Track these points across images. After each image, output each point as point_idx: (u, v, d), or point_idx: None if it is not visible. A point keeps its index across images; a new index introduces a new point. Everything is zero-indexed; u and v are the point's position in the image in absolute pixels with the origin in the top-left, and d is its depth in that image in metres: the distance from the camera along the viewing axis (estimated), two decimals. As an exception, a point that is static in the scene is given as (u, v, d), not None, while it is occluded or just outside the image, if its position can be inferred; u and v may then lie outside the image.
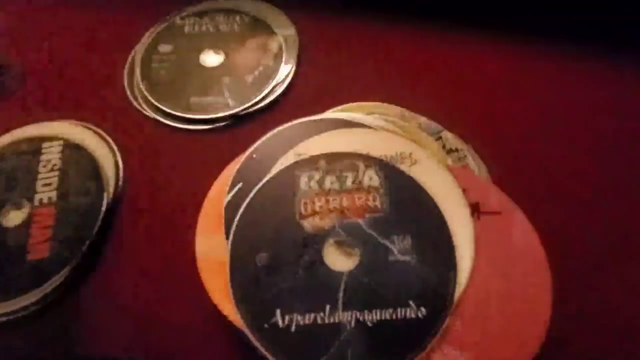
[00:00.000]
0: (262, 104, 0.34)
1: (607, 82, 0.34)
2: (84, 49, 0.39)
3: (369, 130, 0.30)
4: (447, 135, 0.31)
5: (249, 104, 0.34)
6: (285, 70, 0.35)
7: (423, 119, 0.32)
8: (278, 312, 0.24)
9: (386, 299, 0.24)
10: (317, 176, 0.27)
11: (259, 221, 0.26)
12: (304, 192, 0.27)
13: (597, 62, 0.34)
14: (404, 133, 0.30)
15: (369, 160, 0.28)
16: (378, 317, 0.24)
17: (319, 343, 0.23)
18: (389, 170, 0.27)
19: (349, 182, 0.27)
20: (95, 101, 0.36)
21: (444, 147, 0.31)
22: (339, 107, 0.33)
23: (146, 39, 0.38)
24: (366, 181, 0.27)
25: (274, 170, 0.28)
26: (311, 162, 0.28)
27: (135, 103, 0.35)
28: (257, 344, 0.23)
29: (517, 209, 0.26)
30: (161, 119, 0.34)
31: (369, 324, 0.23)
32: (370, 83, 0.35)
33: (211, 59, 0.36)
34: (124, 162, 0.32)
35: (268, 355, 0.23)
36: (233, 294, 0.25)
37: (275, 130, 0.30)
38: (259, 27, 0.38)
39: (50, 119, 0.34)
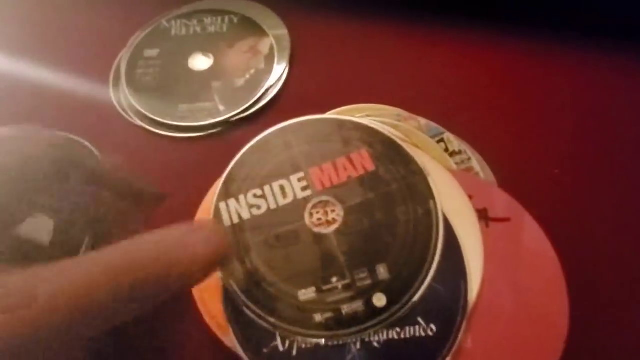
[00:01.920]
0: (254, 109, 0.33)
1: (614, 82, 0.32)
2: (67, 56, 0.37)
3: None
4: (450, 137, 0.30)
5: (241, 109, 0.32)
6: (278, 72, 0.34)
7: (423, 121, 0.31)
8: (278, 336, 0.23)
9: None
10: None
11: None
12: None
13: (604, 62, 0.33)
14: (404, 137, 0.28)
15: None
16: (385, 337, 0.22)
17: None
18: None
19: None
20: (80, 110, 0.34)
21: (446, 149, 0.29)
22: (335, 110, 0.31)
23: (132, 43, 0.36)
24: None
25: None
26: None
27: (122, 111, 0.33)
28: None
29: (525, 214, 0.25)
30: (149, 128, 0.32)
31: (375, 344, 0.22)
32: (366, 84, 0.34)
33: (200, 62, 0.35)
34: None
35: None
36: (228, 320, 0.23)
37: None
38: (249, 27, 0.36)
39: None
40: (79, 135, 0.32)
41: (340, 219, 0.25)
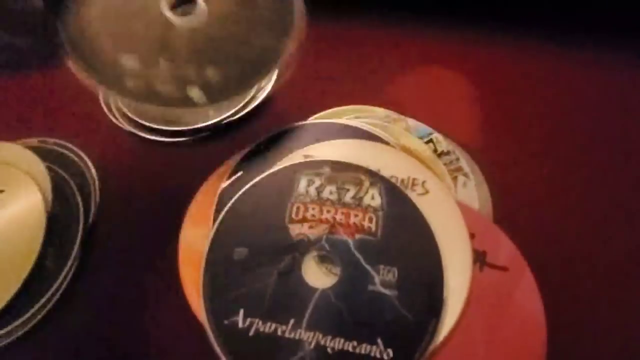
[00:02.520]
0: (243, 112, 0.32)
1: (604, 80, 0.32)
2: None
3: (387, 147, 0.28)
4: (439, 137, 0.30)
5: (230, 112, 0.32)
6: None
7: (412, 122, 0.30)
8: (241, 312, 0.23)
9: (353, 329, 0.22)
10: (317, 182, 0.26)
11: (248, 215, 0.25)
12: (300, 195, 0.26)
13: (595, 59, 0.33)
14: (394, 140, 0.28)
15: (376, 178, 0.26)
16: (340, 347, 0.22)
17: (273, 355, 0.22)
18: (395, 194, 0.25)
19: (348, 197, 0.26)
20: (67, 115, 0.34)
21: (435, 149, 0.29)
22: (324, 113, 0.31)
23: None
24: (367, 200, 0.25)
25: (277, 167, 0.27)
26: (315, 166, 0.26)
27: (110, 116, 0.33)
28: (212, 339, 0.22)
29: (526, 269, 0.24)
30: (138, 132, 0.32)
31: (329, 350, 0.22)
32: (355, 86, 0.33)
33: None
34: (100, 179, 0.31)
35: (219, 352, 0.22)
36: (202, 284, 0.24)
37: (287, 127, 0.29)
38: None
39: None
40: (67, 140, 0.32)
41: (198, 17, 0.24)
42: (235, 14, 0.25)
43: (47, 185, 0.29)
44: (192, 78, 0.23)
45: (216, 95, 0.24)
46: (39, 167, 0.29)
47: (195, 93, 0.23)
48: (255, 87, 0.30)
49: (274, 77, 0.34)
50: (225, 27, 0.25)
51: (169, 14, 0.23)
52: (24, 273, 0.26)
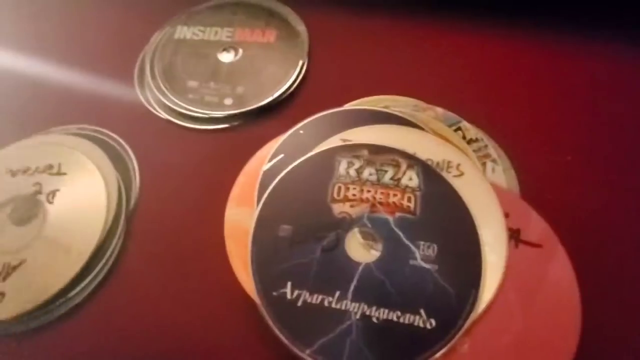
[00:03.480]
0: (276, 102, 0.34)
1: (630, 70, 0.33)
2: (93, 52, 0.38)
3: (422, 133, 0.29)
4: (467, 125, 0.31)
5: (264, 102, 0.33)
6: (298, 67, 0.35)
7: (440, 110, 0.32)
8: (289, 284, 0.24)
9: (397, 300, 0.23)
10: (357, 164, 0.27)
11: (291, 194, 0.26)
12: (341, 176, 0.27)
13: (619, 49, 0.34)
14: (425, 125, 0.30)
15: (413, 161, 0.27)
16: (385, 316, 0.23)
17: (321, 324, 0.23)
18: (432, 175, 0.27)
19: (387, 177, 0.27)
20: (107, 105, 0.35)
21: (464, 137, 0.30)
22: (355, 102, 0.33)
23: (154, 40, 0.38)
24: (405, 180, 0.27)
25: (317, 150, 0.28)
26: (354, 149, 0.28)
27: (147, 105, 0.34)
28: (262, 310, 0.24)
29: (559, 245, 0.25)
30: (174, 120, 0.33)
31: (374, 319, 0.23)
32: (383, 76, 0.35)
33: (226, 56, 0.36)
34: (139, 165, 0.32)
35: (270, 323, 0.23)
36: (250, 259, 0.25)
37: (325, 113, 0.30)
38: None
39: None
40: (109, 129, 0.33)
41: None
42: (258, 54, 0.36)
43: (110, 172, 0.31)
44: (227, 92, 0.33)
45: (241, 103, 0.33)
46: (100, 154, 0.32)
47: (228, 101, 0.33)
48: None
49: (304, 69, 0.35)
50: (251, 62, 0.35)
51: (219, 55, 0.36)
52: (87, 252, 0.28)
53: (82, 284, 0.27)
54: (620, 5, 0.35)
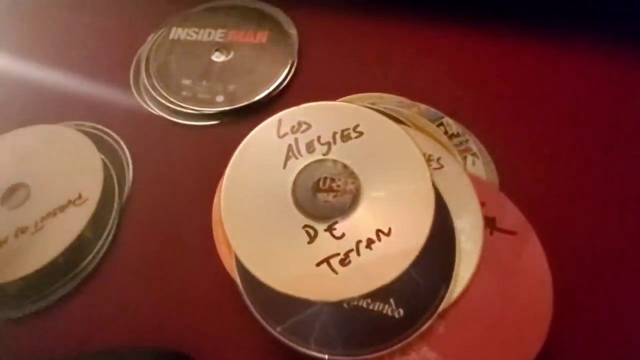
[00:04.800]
0: (265, 99, 0.35)
1: (610, 71, 0.34)
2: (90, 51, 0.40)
3: (405, 128, 0.30)
4: (449, 120, 0.32)
5: (255, 99, 0.35)
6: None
7: (423, 106, 0.33)
8: None
9: None
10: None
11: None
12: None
13: (603, 49, 0.35)
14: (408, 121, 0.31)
15: None
16: (354, 303, 0.24)
17: (293, 305, 0.24)
18: None
19: None
20: (103, 103, 0.36)
21: (446, 132, 0.31)
22: (340, 99, 0.34)
23: (150, 41, 0.39)
24: None
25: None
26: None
27: (141, 102, 0.36)
28: (240, 288, 0.24)
29: (532, 232, 0.26)
30: (167, 116, 0.35)
31: (344, 304, 0.24)
32: (368, 75, 0.36)
33: (219, 56, 0.37)
34: (133, 159, 0.33)
35: (247, 301, 0.24)
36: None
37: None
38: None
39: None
40: (105, 126, 0.35)
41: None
42: (249, 54, 0.37)
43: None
44: (219, 90, 0.35)
45: (233, 100, 0.35)
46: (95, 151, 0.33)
47: (220, 99, 0.34)
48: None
49: (293, 68, 0.36)
50: (242, 62, 0.37)
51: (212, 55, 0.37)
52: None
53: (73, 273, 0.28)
54: (600, 3, 0.36)
